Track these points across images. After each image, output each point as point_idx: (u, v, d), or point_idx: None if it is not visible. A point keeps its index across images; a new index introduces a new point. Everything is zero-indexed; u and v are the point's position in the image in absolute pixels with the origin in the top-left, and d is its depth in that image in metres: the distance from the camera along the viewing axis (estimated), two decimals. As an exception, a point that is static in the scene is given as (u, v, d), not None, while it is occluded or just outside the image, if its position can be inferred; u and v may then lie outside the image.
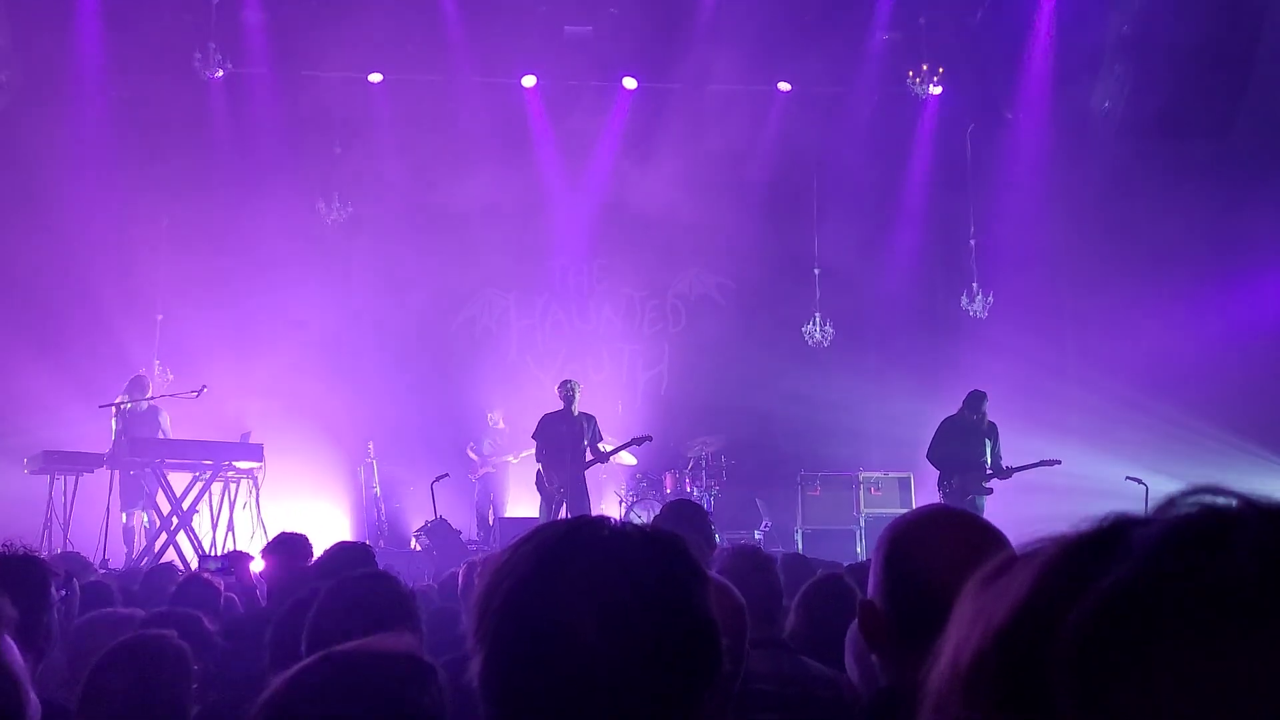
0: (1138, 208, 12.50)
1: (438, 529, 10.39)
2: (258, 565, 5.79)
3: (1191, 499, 0.56)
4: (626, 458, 10.79)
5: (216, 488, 10.07)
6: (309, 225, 12.43)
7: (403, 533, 12.05)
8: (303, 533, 4.62)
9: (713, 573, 2.21)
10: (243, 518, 10.08)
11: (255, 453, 10.03)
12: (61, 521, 9.35)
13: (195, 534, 9.83)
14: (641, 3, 12.45)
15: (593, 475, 10.11)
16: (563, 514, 9.67)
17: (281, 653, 2.45)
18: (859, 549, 11.24)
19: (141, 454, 9.74)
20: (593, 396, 11.37)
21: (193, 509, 9.86)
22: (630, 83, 13.35)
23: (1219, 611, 0.47)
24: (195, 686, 2.60)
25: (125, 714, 2.43)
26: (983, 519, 1.56)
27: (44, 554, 6.11)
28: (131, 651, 2.52)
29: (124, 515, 10.26)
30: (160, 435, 10.35)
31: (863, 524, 11.67)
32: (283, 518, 10.14)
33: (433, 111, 13.08)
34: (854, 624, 2.15)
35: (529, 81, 13.32)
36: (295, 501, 11.25)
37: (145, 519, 10.26)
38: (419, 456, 11.88)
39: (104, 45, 12.16)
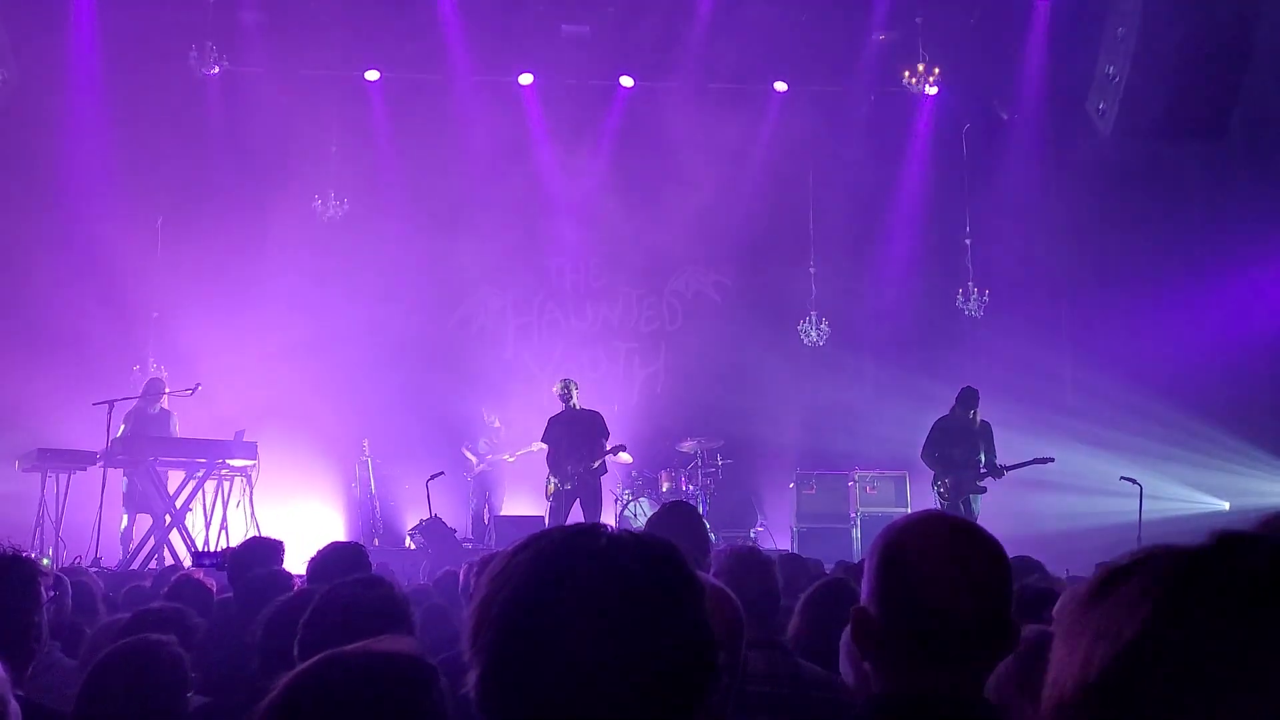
0: (1133, 208, 12.53)
1: (432, 527, 10.38)
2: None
3: None
4: (623, 456, 10.78)
5: (210, 486, 10.04)
6: (305, 223, 12.40)
7: (397, 531, 12.04)
8: (277, 538, 4.60)
9: (710, 576, 2.21)
10: (236, 516, 10.05)
11: (249, 451, 10.00)
12: (53, 520, 9.31)
13: (188, 533, 9.80)
14: (639, 2, 12.44)
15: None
16: (575, 511, 9.68)
17: (272, 656, 2.44)
18: (855, 548, 11.25)
19: (135, 452, 9.71)
20: (589, 395, 11.35)
21: (185, 507, 9.83)
22: (627, 81, 13.34)
23: None
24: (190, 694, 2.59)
25: (122, 718, 2.42)
26: (976, 525, 1.55)
27: (35, 553, 6.09)
28: (127, 657, 2.51)
29: (125, 518, 10.23)
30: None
31: (858, 522, 11.67)
32: (277, 516, 10.13)
33: (429, 110, 13.06)
34: (848, 628, 2.14)
35: (526, 80, 13.30)
36: (289, 500, 11.23)
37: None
38: (414, 455, 11.86)
39: (100, 43, 12.13)
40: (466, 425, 12.48)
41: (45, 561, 7.80)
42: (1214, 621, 0.54)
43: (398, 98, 13.14)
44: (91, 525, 9.17)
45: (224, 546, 8.69)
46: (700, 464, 11.50)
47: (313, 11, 12.20)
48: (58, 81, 12.07)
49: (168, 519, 9.70)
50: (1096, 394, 12.01)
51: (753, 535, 11.59)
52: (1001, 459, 9.60)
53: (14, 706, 1.90)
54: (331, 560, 3.84)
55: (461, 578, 3.73)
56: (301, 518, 11.28)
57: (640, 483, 11.47)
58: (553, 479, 9.83)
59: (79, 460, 9.62)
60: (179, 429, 10.53)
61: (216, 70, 11.44)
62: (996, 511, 9.16)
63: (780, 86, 13.34)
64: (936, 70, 11.52)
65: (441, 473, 10.70)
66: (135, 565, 9.44)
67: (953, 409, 9.73)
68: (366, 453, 12.30)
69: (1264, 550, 0.56)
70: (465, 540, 11.11)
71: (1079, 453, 11.40)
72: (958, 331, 12.60)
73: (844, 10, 12.62)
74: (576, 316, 14.06)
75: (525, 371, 13.55)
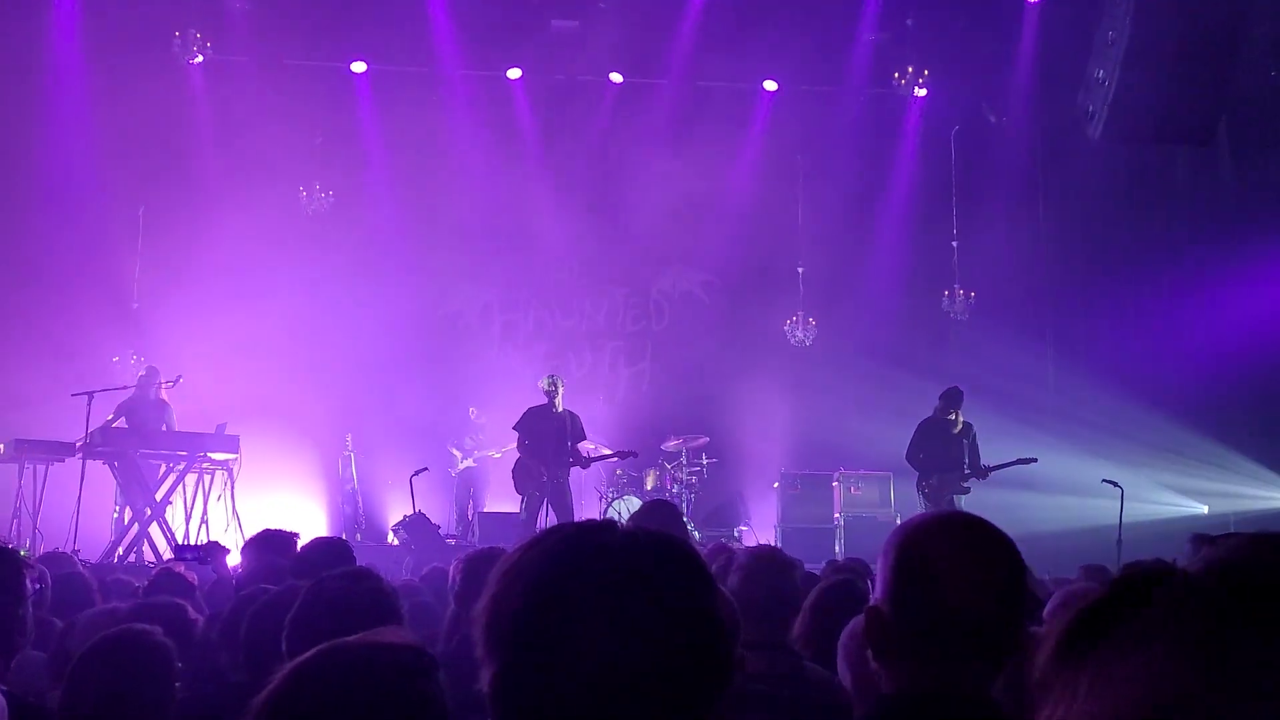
0: (1120, 212, 12.61)
1: (416, 523, 10.32)
2: (234, 559, 5.72)
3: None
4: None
5: (191, 479, 9.96)
6: (289, 215, 12.31)
7: (380, 527, 11.98)
8: (291, 530, 4.55)
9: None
10: (217, 510, 9.97)
11: (231, 444, 9.93)
12: (31, 511, 9.22)
13: (168, 526, 9.72)
14: (628, -1, 12.42)
15: (573, 471, 10.07)
16: (543, 511, 9.62)
17: (258, 650, 2.41)
18: (838, 548, 11.25)
19: (114, 443, 9.62)
20: (575, 392, 11.33)
21: (166, 500, 9.75)
22: (616, 78, 13.31)
23: None
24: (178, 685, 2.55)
25: (107, 710, 2.39)
26: (993, 526, 1.54)
27: (14, 544, 6.01)
28: (114, 647, 2.48)
29: (116, 509, 10.14)
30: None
31: (842, 523, 11.68)
32: (258, 510, 10.05)
33: (416, 102, 12.98)
34: (847, 629, 2.12)
35: (514, 74, 13.24)
36: (271, 494, 11.15)
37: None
38: (398, 450, 11.80)
39: (82, 29, 12.00)
40: (451, 421, 12.42)
41: (23, 553, 7.70)
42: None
43: (384, 90, 13.06)
44: (70, 517, 9.07)
45: (204, 540, 8.62)
46: (685, 463, 11.49)
47: (300, 2, 12.11)
48: (38, 68, 11.93)
49: (148, 512, 9.61)
50: (1079, 397, 12.09)
51: (737, 535, 11.59)
52: (985, 460, 9.64)
53: (0, 702, 1.87)
54: (317, 555, 3.82)
55: (450, 575, 3.70)
56: (283, 512, 11.18)
57: (625, 481, 11.45)
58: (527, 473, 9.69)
59: (57, 451, 9.52)
60: (176, 423, 10.41)
61: (200, 59, 11.33)
62: (979, 512, 9.13)
63: (770, 85, 13.34)
64: (926, 72, 11.54)
65: (425, 468, 10.65)
66: (114, 558, 9.36)
67: (937, 410, 9.76)
68: (349, 448, 12.23)
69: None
70: (449, 536, 11.06)
71: (1061, 454, 11.46)
72: (943, 333, 12.64)
73: (835, 11, 12.64)
74: (563, 314, 14.02)
75: (510, 368, 13.51)
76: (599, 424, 11.88)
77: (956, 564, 1.42)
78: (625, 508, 10.98)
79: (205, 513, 9.92)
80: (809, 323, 12.82)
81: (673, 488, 11.26)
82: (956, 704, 1.40)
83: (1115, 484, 9.34)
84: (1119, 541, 8.65)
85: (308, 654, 1.34)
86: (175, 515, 9.93)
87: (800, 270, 13.29)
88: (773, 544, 11.43)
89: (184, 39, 11.01)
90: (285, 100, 12.43)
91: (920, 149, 13.31)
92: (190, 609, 3.44)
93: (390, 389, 12.35)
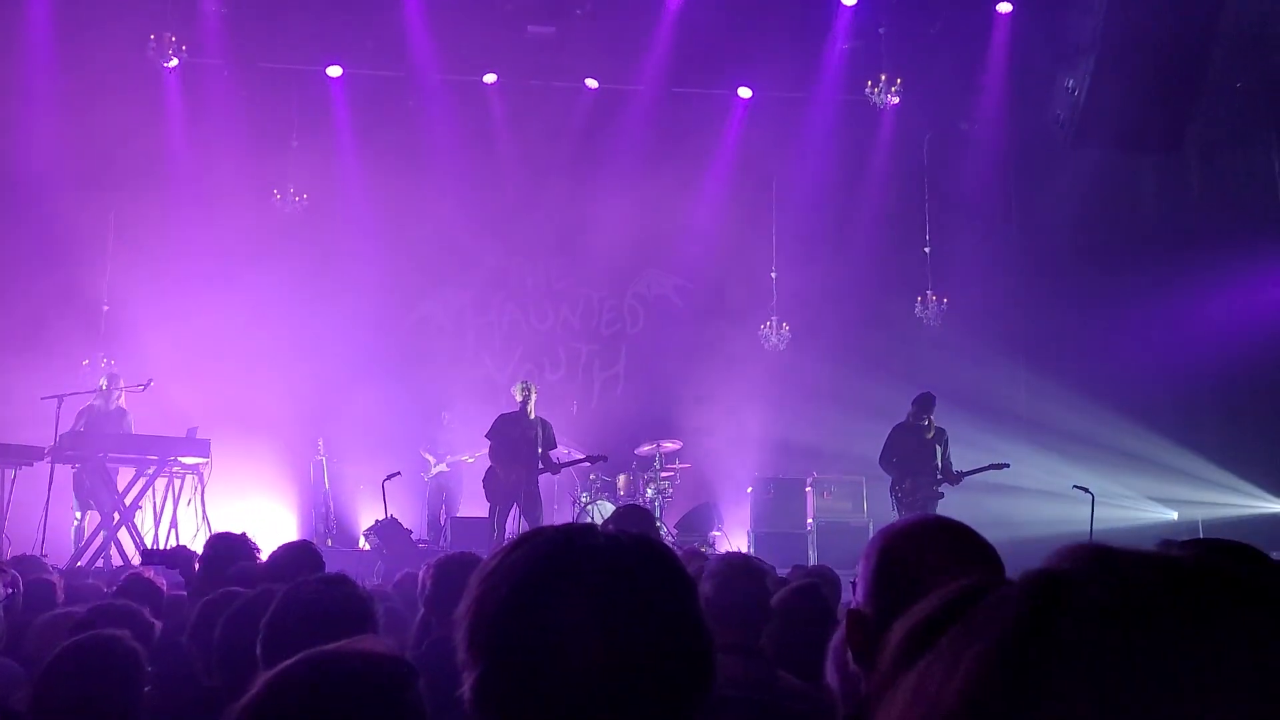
0: (1090, 218, 12.74)
1: (388, 528, 10.26)
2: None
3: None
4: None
5: (160, 484, 9.86)
6: (262, 219, 12.22)
7: (351, 531, 11.89)
8: (243, 532, 4.52)
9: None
10: (187, 515, 9.88)
11: (201, 448, 9.84)
12: (-2, 516, 9.10)
13: (137, 531, 9.62)
14: (605, 5, 12.42)
15: (545, 476, 10.07)
16: (512, 517, 9.61)
17: (232, 656, 2.39)
18: (810, 553, 11.28)
19: (84, 447, 9.51)
20: (549, 396, 11.31)
21: (135, 505, 9.65)
22: (592, 83, 13.32)
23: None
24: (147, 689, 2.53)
25: (76, 715, 2.37)
26: (973, 531, 1.56)
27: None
28: (82, 652, 2.45)
29: (78, 514, 10.02)
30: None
31: (814, 528, 11.72)
32: (228, 515, 9.95)
33: (392, 107, 12.95)
34: (838, 633, 2.13)
35: (490, 79, 13.22)
36: (242, 498, 11.05)
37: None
38: (370, 454, 11.73)
39: (55, 30, 11.86)
40: (424, 426, 12.36)
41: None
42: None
43: (360, 94, 13.00)
44: (38, 522, 8.96)
45: (174, 544, 8.52)
46: (658, 467, 11.49)
47: (275, 5, 12.04)
48: (9, 68, 11.78)
49: (116, 516, 9.51)
50: (1051, 402, 12.20)
51: (710, 540, 11.60)
52: (957, 465, 9.71)
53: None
54: (289, 559, 3.80)
55: (421, 579, 3.68)
56: (254, 517, 11.08)
57: (598, 486, 11.44)
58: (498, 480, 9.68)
59: (25, 455, 9.41)
60: (134, 428, 10.32)
61: (175, 63, 11.22)
62: (951, 516, 9.24)
63: (744, 92, 13.39)
64: (899, 80, 11.62)
65: (398, 473, 10.59)
66: (83, 562, 9.25)
67: (909, 415, 9.82)
68: (321, 452, 12.15)
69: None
70: (420, 541, 11.01)
71: (1033, 460, 11.57)
72: (916, 338, 12.72)
73: (808, 19, 12.70)
74: (537, 318, 14.00)
75: (484, 372, 13.47)
76: (572, 428, 11.88)
77: (937, 567, 1.43)
78: (599, 512, 10.96)
79: (175, 517, 9.83)
80: (782, 328, 12.86)
81: (646, 492, 11.25)
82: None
83: (1086, 490, 9.44)
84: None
85: (288, 662, 1.34)
86: (144, 520, 9.82)
87: (774, 275, 13.34)
88: (746, 549, 11.48)
89: (159, 42, 10.89)
90: (259, 104, 12.34)
91: (893, 156, 13.40)
92: (148, 612, 3.40)
93: (363, 393, 12.27)
